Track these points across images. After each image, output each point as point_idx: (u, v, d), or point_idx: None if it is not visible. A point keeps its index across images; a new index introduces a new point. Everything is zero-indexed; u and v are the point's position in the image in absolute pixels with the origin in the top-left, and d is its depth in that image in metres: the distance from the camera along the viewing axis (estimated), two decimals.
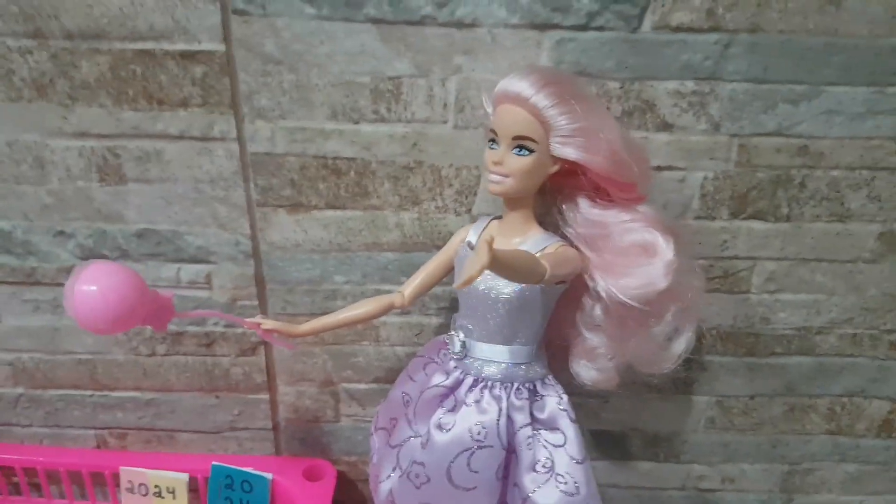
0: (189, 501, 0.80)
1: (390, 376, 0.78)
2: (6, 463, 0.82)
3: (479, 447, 0.60)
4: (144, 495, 0.80)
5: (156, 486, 0.80)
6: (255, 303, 0.76)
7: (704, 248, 0.72)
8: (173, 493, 0.80)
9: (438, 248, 0.69)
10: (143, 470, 0.79)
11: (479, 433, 0.60)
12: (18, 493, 0.84)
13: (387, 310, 0.67)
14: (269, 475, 0.77)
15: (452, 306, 0.76)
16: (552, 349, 0.66)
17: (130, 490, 0.80)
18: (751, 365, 0.79)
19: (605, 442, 0.84)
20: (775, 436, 0.84)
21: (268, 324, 0.65)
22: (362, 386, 0.81)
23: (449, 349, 0.65)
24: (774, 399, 0.82)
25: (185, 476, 0.79)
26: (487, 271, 0.45)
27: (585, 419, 0.62)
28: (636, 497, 0.88)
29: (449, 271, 0.67)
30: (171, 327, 0.77)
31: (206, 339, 0.78)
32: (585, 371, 0.64)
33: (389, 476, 0.67)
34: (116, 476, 0.80)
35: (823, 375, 0.80)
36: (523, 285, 0.58)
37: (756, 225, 0.72)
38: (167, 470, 0.79)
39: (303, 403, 0.82)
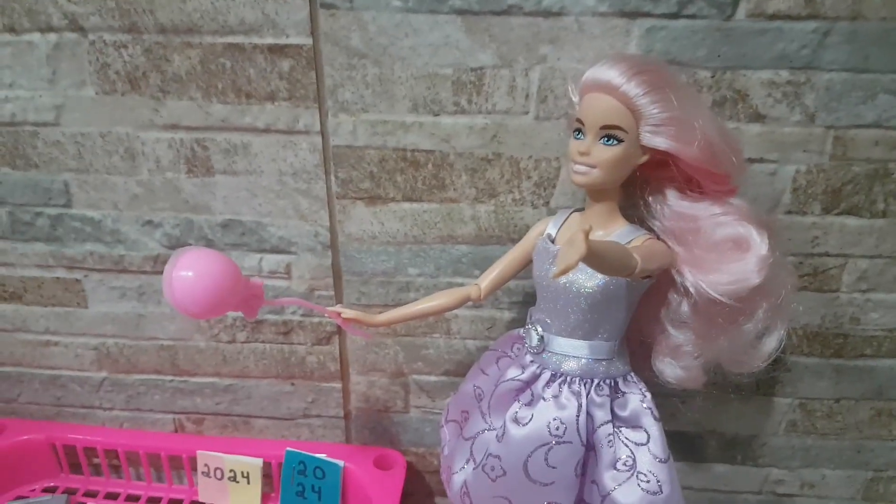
0: (262, 486, 0.82)
1: (460, 369, 0.78)
2: (89, 444, 0.85)
3: (558, 443, 0.59)
4: (220, 479, 0.83)
5: (231, 471, 0.82)
6: (332, 293, 0.77)
7: (794, 245, 0.70)
8: (247, 477, 0.82)
9: (514, 241, 0.69)
10: (220, 454, 0.81)
11: (557, 428, 0.59)
12: (99, 473, 0.88)
13: (462, 302, 0.67)
14: (341, 462, 0.78)
15: (525, 300, 0.75)
16: (631, 346, 0.65)
17: (207, 474, 0.83)
18: (837, 367, 0.76)
19: (679, 443, 0.81)
20: (860, 441, 0.80)
21: (348, 313, 0.66)
22: (432, 378, 0.81)
23: (525, 343, 0.64)
24: (861, 403, 0.78)
25: (259, 461, 0.81)
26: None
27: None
28: (710, 500, 0.85)
29: (526, 265, 0.66)
30: None
31: (283, 327, 0.79)
32: (670, 369, 0.63)
33: (463, 468, 0.67)
34: (193, 460, 0.83)
35: None
36: (607, 279, 0.57)
37: (850, 221, 0.69)
38: (242, 455, 0.81)
39: (373, 393, 0.83)
